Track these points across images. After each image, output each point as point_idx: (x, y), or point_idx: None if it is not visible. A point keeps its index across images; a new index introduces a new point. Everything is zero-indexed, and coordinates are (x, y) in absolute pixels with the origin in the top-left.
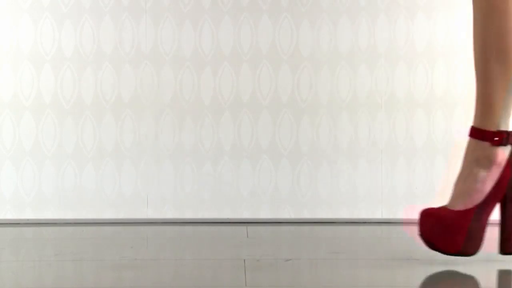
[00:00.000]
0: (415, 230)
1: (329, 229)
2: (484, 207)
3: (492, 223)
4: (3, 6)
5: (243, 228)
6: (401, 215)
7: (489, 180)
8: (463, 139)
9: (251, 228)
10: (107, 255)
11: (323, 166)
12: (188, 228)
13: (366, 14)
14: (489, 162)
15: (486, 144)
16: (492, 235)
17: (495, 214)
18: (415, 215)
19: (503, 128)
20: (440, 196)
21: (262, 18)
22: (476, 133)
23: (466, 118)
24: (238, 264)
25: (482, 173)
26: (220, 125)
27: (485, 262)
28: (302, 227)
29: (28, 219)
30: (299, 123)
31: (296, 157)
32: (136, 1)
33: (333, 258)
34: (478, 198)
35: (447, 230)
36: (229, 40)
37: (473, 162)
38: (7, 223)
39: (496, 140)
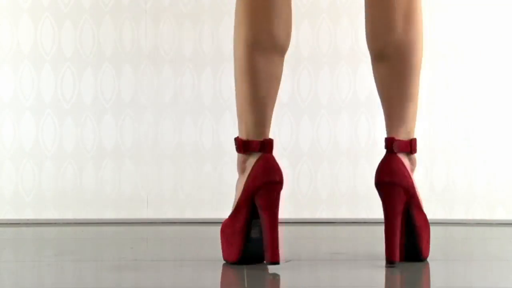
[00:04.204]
0: None
1: (329, 229)
2: (236, 215)
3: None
4: (3, 6)
5: None
6: None
7: (239, 188)
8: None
9: None
10: (107, 255)
11: (323, 166)
12: (188, 228)
13: None
14: (240, 169)
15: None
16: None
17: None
18: None
19: (250, 138)
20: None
21: None
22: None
23: (466, 118)
24: (238, 265)
25: (237, 181)
26: (219, 125)
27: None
28: (302, 227)
29: (28, 219)
30: (299, 123)
31: (296, 157)
32: (136, 1)
33: (333, 258)
34: (233, 205)
35: (220, 238)
36: (229, 40)
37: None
38: (7, 223)
39: (236, 147)
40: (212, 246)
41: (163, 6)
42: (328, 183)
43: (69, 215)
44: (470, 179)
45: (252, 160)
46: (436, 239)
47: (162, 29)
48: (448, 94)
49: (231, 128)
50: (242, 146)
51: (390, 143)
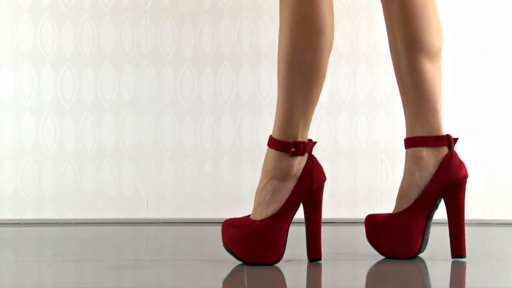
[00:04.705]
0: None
1: (329, 229)
2: (281, 217)
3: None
4: (3, 6)
5: None
6: None
7: (284, 190)
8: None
9: None
10: (107, 255)
11: (323, 165)
12: (188, 228)
13: (366, 14)
14: (285, 172)
15: (284, 155)
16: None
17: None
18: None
19: (300, 139)
20: None
21: (262, 18)
22: (275, 144)
23: (466, 118)
24: (238, 265)
25: (278, 184)
26: (220, 125)
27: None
28: (301, 227)
29: (28, 219)
30: None
31: None
32: (136, 1)
33: (333, 258)
34: (274, 208)
35: (245, 240)
36: (229, 40)
37: (270, 172)
38: (7, 223)
39: (293, 151)
40: (212, 246)
41: (163, 6)
42: (328, 183)
43: (69, 215)
44: (470, 179)
45: (302, 162)
46: (436, 239)
47: (162, 29)
48: (448, 94)
49: (231, 128)
50: (305, 148)
51: (453, 139)
